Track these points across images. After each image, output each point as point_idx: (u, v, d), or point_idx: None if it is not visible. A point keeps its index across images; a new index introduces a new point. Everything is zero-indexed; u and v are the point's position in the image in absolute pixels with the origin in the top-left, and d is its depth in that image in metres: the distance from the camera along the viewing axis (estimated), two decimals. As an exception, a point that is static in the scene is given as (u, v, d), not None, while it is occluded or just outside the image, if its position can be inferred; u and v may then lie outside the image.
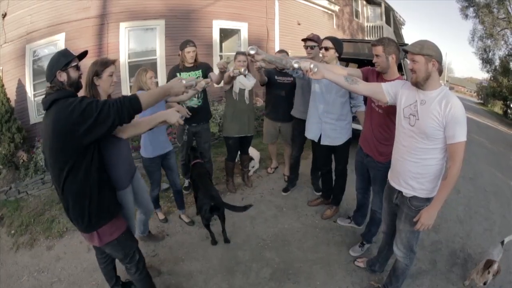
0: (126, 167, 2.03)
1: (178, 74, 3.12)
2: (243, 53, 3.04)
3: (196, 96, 3.14)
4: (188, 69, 3.15)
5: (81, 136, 1.43)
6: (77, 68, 1.63)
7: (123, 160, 1.98)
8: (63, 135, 1.44)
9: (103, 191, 1.64)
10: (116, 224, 1.74)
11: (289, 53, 3.64)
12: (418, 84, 1.72)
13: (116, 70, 1.94)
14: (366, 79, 2.28)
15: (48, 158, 1.55)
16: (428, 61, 1.64)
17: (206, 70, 3.21)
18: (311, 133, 3.04)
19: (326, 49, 2.67)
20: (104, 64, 1.82)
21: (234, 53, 3.22)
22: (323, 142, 2.95)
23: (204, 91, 3.20)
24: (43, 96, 1.55)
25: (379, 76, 2.30)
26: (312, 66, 1.95)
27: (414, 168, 1.78)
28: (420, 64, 1.66)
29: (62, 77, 1.55)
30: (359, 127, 4.61)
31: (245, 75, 2.95)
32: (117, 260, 2.05)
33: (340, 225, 3.12)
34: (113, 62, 1.88)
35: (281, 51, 3.70)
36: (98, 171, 1.60)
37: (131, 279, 2.05)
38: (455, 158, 1.63)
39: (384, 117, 2.20)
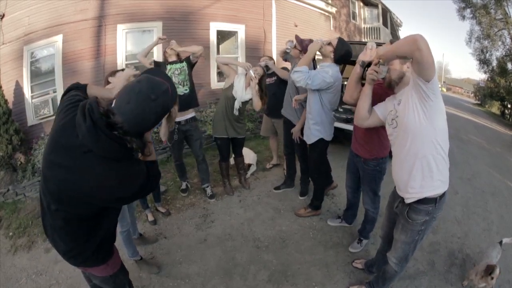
0: None
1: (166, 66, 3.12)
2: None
3: (182, 83, 3.13)
4: (172, 62, 3.15)
5: None
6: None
7: None
8: None
9: None
10: None
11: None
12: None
13: None
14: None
15: None
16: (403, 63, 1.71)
17: (188, 60, 3.19)
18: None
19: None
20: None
21: (233, 55, 3.21)
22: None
23: (190, 78, 3.19)
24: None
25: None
26: None
27: (416, 170, 1.63)
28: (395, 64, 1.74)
29: (136, 143, 1.12)
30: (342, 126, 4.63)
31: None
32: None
33: (334, 226, 3.11)
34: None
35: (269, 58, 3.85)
36: None
37: None
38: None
39: None
